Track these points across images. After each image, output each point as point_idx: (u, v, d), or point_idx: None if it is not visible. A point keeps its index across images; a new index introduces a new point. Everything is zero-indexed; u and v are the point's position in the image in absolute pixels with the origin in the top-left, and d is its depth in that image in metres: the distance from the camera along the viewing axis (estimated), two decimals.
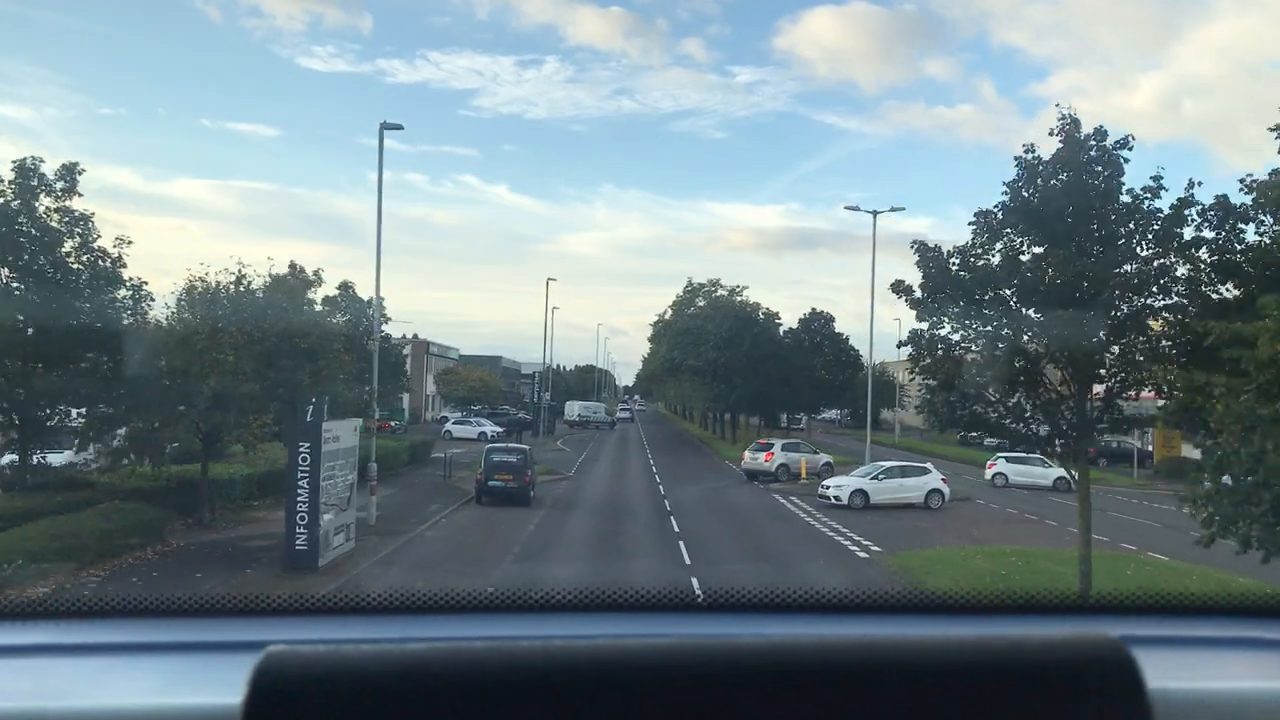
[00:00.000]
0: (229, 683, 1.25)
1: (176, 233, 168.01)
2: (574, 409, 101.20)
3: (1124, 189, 16.50)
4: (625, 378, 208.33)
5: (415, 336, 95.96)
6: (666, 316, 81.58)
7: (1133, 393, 17.33)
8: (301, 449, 19.49)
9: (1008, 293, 16.97)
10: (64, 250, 21.55)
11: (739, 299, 73.67)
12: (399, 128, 28.17)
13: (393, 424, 61.50)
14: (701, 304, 77.41)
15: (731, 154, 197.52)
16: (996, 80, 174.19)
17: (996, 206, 17.04)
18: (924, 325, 17.75)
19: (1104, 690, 1.17)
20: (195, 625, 1.72)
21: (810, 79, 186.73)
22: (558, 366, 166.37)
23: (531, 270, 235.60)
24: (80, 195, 21.69)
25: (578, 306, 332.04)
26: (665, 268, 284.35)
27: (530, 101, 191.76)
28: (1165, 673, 1.38)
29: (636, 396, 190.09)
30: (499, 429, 70.01)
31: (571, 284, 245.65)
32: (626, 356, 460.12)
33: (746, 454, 45.25)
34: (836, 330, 64.40)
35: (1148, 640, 1.59)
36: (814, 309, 64.93)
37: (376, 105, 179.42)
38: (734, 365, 59.79)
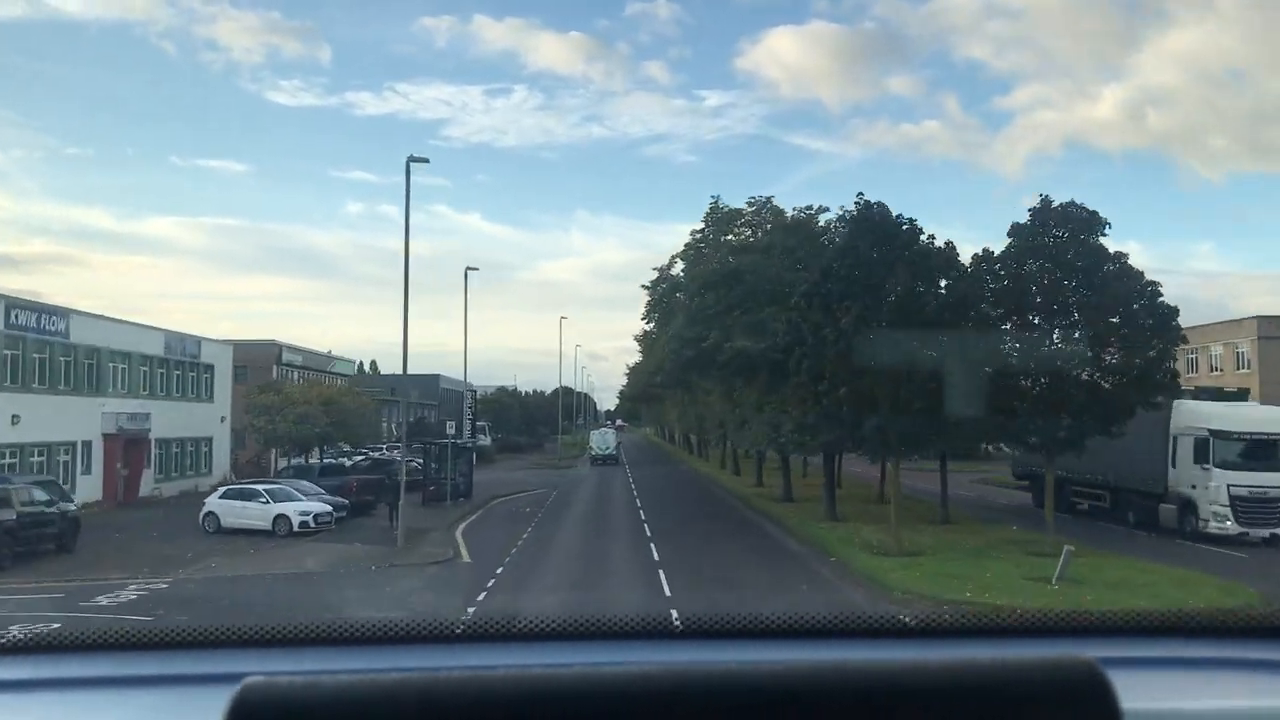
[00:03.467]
0: (206, 715, 1.24)
1: (146, 270, 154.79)
2: (608, 440, 73.79)
3: None
4: (604, 403, 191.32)
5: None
6: (674, 271, 44.17)
7: None
8: None
9: None
10: None
11: (819, 224, 37.37)
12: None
13: None
14: (738, 238, 40.32)
15: (703, 177, 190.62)
16: (960, 95, 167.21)
17: None
18: None
19: (1078, 713, 1.11)
20: (172, 658, 1.72)
21: (776, 100, 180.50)
22: (530, 392, 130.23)
23: (508, 298, 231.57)
24: None
25: (554, 334, 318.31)
26: (641, 293, 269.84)
27: (500, 130, 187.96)
28: (1139, 694, 1.39)
29: (618, 420, 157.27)
30: (331, 507, 31.98)
31: (549, 311, 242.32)
32: (606, 381, 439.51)
33: None
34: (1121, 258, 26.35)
35: (1122, 661, 1.60)
36: (1044, 196, 27.21)
37: (346, 138, 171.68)
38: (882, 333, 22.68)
